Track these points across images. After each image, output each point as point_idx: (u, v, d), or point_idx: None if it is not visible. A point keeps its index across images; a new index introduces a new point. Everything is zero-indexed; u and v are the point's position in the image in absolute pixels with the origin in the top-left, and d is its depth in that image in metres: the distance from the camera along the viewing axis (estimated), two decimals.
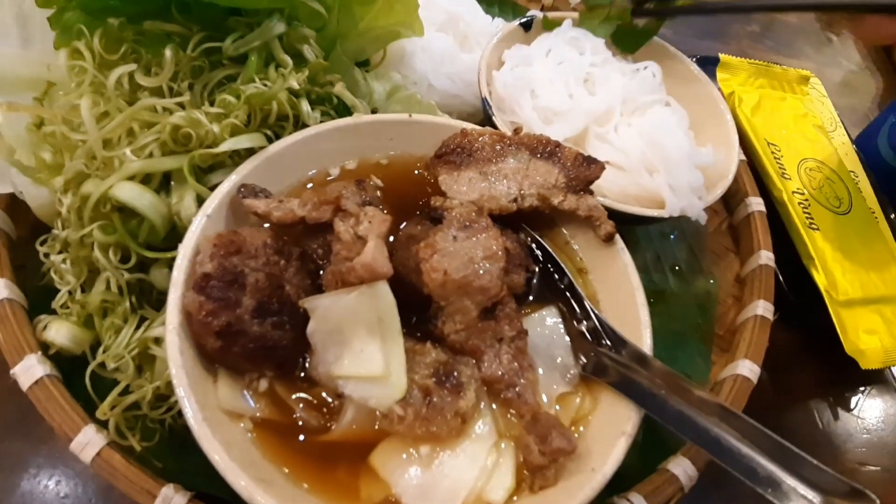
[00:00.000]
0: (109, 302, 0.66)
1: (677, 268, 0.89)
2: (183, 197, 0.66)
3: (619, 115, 0.85)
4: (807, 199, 0.97)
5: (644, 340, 0.64)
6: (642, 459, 0.73)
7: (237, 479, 0.52)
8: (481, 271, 0.61)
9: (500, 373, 0.61)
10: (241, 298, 0.57)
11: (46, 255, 0.70)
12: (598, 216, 0.70)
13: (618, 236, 0.70)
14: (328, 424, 0.58)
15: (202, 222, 0.62)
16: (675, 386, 0.58)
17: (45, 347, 0.66)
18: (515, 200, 0.71)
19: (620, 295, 0.68)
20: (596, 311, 0.66)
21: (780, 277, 0.89)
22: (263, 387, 0.59)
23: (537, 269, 0.69)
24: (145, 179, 0.67)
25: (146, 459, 0.63)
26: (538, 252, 0.71)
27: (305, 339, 0.60)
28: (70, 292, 0.67)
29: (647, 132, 0.83)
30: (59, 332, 0.66)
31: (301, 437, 0.58)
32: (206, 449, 0.53)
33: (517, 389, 0.60)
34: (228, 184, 0.65)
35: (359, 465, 0.57)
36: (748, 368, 0.76)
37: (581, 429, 0.62)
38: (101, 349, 0.65)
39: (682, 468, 0.69)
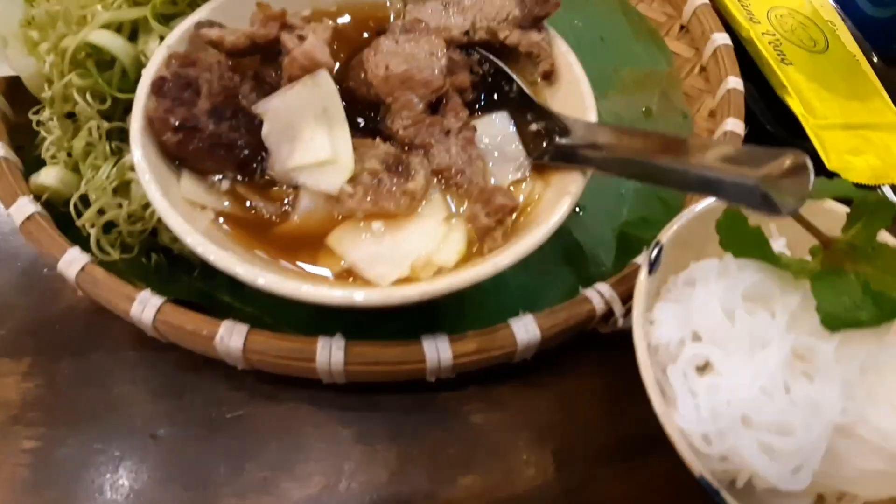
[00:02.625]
0: (92, 146, 0.70)
1: (648, 108, 0.88)
2: (148, 41, 0.70)
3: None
4: (777, 39, 0.93)
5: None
6: (615, 261, 0.74)
7: (204, 248, 0.54)
8: (423, 66, 0.62)
9: (448, 162, 0.62)
10: (197, 100, 0.60)
11: (39, 123, 0.75)
12: (539, 53, 0.71)
13: (575, 60, 0.70)
14: (286, 215, 0.60)
15: (163, 52, 0.65)
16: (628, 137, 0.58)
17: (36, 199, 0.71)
18: (467, 33, 0.72)
19: (570, 99, 0.68)
20: (545, 106, 0.66)
21: (755, 111, 0.87)
22: (225, 186, 0.61)
23: (482, 72, 0.69)
24: (116, 30, 0.71)
25: (126, 277, 0.65)
26: (486, 65, 0.71)
27: (262, 145, 0.62)
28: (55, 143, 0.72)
29: None
30: (49, 174, 0.69)
31: (261, 229, 0.60)
32: (172, 226, 0.55)
33: (467, 175, 0.61)
34: (188, 21, 0.68)
35: (317, 248, 0.59)
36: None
37: (531, 209, 0.62)
38: (83, 182, 0.68)
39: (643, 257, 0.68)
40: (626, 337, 0.71)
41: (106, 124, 0.70)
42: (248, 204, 0.61)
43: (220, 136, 0.60)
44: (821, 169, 0.82)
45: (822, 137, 0.84)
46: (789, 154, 0.46)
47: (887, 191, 0.85)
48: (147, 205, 0.65)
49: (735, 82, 0.84)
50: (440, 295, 0.52)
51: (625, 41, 0.95)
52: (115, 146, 0.71)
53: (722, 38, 0.89)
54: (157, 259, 0.69)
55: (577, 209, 0.76)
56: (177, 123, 0.58)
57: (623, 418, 0.68)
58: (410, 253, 0.56)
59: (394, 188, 0.58)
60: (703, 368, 0.56)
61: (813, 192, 0.58)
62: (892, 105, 0.92)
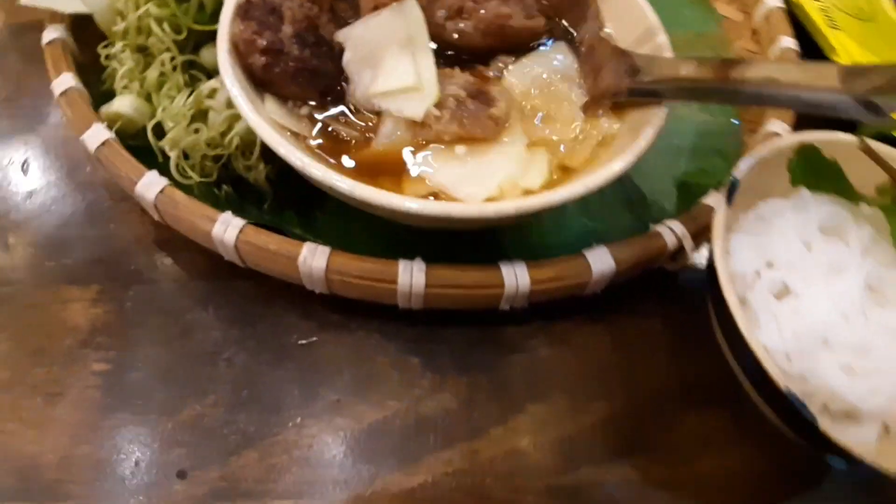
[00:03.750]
0: (165, 76, 0.70)
1: None
2: None
3: None
4: (825, 6, 0.95)
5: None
6: (677, 207, 0.74)
7: (297, 158, 0.54)
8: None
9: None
10: (281, 25, 0.60)
11: (108, 57, 0.75)
12: None
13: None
14: (367, 141, 0.61)
15: None
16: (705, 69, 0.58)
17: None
18: None
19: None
20: (616, 45, 0.67)
21: None
22: (305, 112, 0.62)
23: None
24: None
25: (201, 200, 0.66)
26: None
27: (342, 74, 0.63)
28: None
29: None
30: (122, 102, 0.69)
31: (342, 155, 0.60)
32: (265, 137, 0.55)
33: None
34: None
35: (400, 174, 0.59)
36: (779, 126, 0.75)
37: (611, 143, 0.63)
38: (158, 110, 0.69)
39: (714, 199, 0.69)
40: (688, 280, 0.72)
41: (180, 56, 0.71)
42: (329, 129, 0.61)
43: (304, 60, 0.60)
44: None
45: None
46: (884, 67, 0.47)
47: None
48: (224, 133, 0.66)
49: (789, 42, 0.85)
50: (535, 212, 0.53)
51: (673, 5, 0.95)
52: (188, 77, 0.71)
53: (774, 1, 0.90)
54: (228, 190, 0.69)
55: None
56: (264, 45, 0.59)
57: (684, 360, 0.68)
58: (497, 175, 0.57)
59: (478, 112, 0.58)
60: (780, 297, 0.57)
61: (880, 127, 0.60)
62: None
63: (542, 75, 0.64)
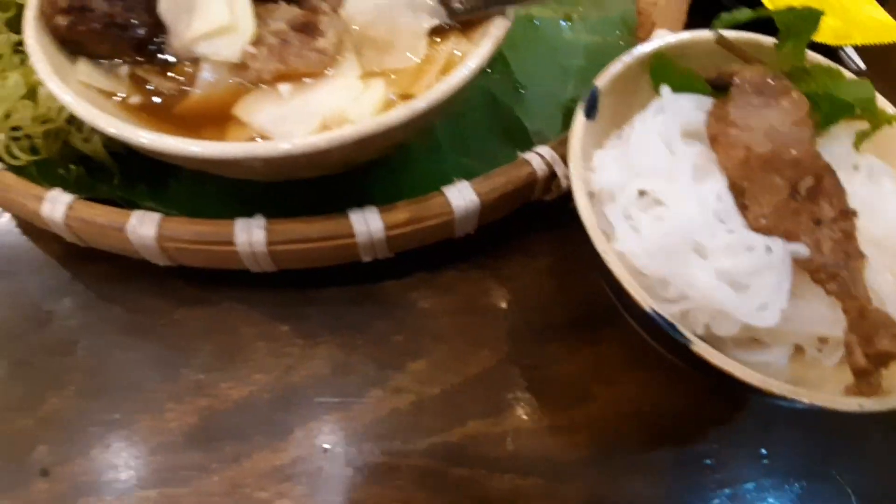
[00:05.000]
0: (0, 57, 0.66)
1: None
2: None
3: None
4: None
5: None
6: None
7: (89, 114, 0.49)
8: (790, 142, 0.51)
9: (819, 260, 0.49)
10: None
11: None
12: None
13: None
14: (187, 91, 0.55)
15: None
16: None
17: None
18: None
19: None
20: None
21: None
22: (124, 71, 0.56)
23: None
24: None
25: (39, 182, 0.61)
26: None
27: (160, 25, 0.57)
28: None
29: None
30: None
31: (164, 110, 0.55)
32: (63, 99, 0.50)
33: (841, 280, 0.49)
34: None
35: (224, 122, 0.54)
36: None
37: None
38: None
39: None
40: (573, 211, 0.66)
41: (14, 35, 0.65)
42: (147, 87, 0.55)
43: (113, 16, 0.55)
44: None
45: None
46: None
47: (850, 51, 0.79)
48: (55, 104, 0.60)
49: None
50: (350, 142, 0.47)
51: None
52: (23, 58, 0.66)
53: None
54: (76, 170, 0.64)
55: (519, 88, 0.71)
56: (65, 4, 0.53)
57: (572, 294, 0.63)
58: (321, 110, 0.51)
59: (301, 46, 0.52)
60: (647, 209, 0.51)
61: (727, 19, 0.54)
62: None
63: (383, 1, 0.58)
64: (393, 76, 0.55)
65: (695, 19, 0.73)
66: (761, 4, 0.79)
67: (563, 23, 0.76)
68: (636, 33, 0.75)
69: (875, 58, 0.80)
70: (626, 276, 0.46)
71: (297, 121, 0.50)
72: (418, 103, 0.48)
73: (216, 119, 0.53)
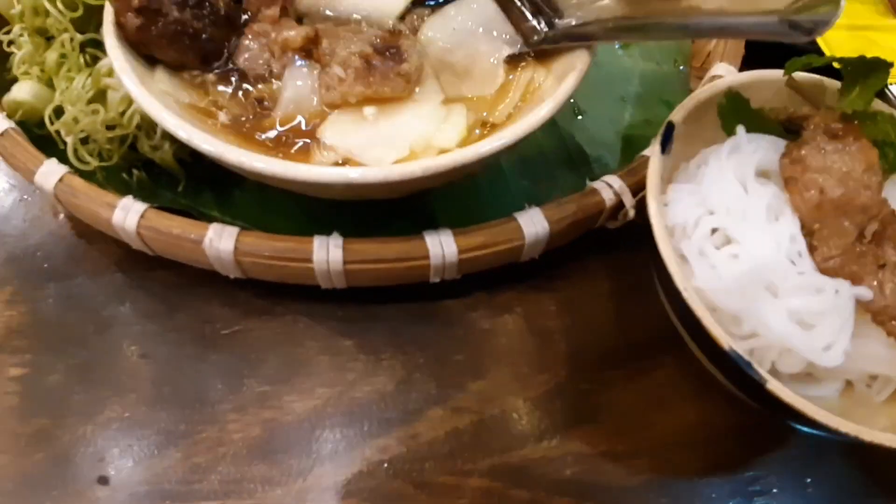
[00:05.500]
0: (65, 58, 0.65)
1: None
2: None
3: None
4: None
5: None
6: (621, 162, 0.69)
7: (183, 129, 0.48)
8: (860, 186, 0.52)
9: (882, 302, 0.51)
10: None
11: (9, 44, 0.70)
12: None
13: None
14: (268, 111, 0.55)
15: None
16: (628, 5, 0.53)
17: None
18: None
19: None
20: None
21: None
22: (199, 81, 0.56)
23: None
24: None
25: (104, 187, 0.60)
26: None
27: (228, 38, 0.57)
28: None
29: None
30: (22, 88, 0.64)
31: (246, 129, 0.55)
32: (147, 108, 0.50)
33: None
34: None
35: (310, 143, 0.54)
36: (724, 69, 0.69)
37: (533, 94, 0.57)
38: (57, 93, 0.63)
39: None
40: (633, 236, 0.67)
41: (79, 35, 0.65)
42: (229, 99, 0.55)
43: (184, 22, 0.55)
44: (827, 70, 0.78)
45: (826, 38, 0.80)
46: None
47: (894, 90, 0.80)
48: (125, 111, 0.60)
49: None
50: (444, 171, 0.47)
51: None
52: (88, 57, 0.65)
53: None
54: (139, 175, 0.64)
55: (577, 114, 0.72)
56: (138, 4, 0.53)
57: (631, 320, 0.64)
58: (408, 135, 0.51)
59: (386, 70, 0.53)
60: (721, 246, 0.52)
61: (799, 63, 0.55)
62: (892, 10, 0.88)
63: (462, 26, 0.59)
64: (472, 103, 0.56)
65: (749, 53, 0.74)
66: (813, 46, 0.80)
67: (619, 49, 0.77)
68: (691, 62, 0.76)
69: None
70: (705, 314, 0.47)
71: (387, 146, 0.51)
72: (511, 133, 0.49)
73: (300, 139, 0.53)
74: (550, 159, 0.68)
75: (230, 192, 0.64)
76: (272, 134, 0.53)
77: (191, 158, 0.64)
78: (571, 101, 0.71)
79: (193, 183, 0.64)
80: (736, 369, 0.48)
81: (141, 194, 0.61)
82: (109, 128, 0.61)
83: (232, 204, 0.63)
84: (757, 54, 0.72)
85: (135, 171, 0.64)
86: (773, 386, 0.47)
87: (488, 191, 0.65)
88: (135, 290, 0.64)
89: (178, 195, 0.63)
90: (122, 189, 0.62)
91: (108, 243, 0.64)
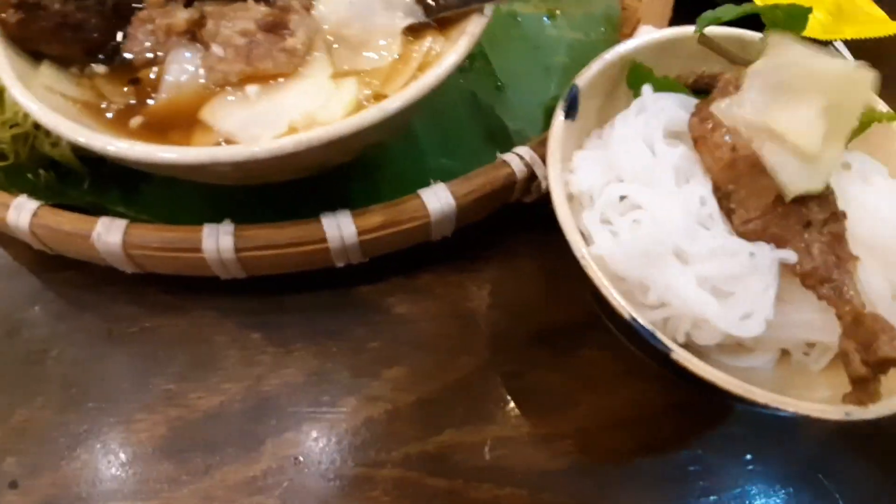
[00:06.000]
0: None
1: None
2: None
3: None
4: None
5: None
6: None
7: (51, 119, 0.46)
8: None
9: (811, 265, 0.47)
10: None
11: None
12: None
13: None
14: (150, 95, 0.53)
15: None
16: None
17: None
18: None
19: None
20: None
21: None
22: (85, 73, 0.54)
23: None
24: None
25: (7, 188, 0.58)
26: None
27: (114, 28, 0.55)
28: None
29: None
30: None
31: (128, 114, 0.52)
32: (22, 101, 0.47)
33: (833, 284, 0.47)
34: None
35: (190, 126, 0.51)
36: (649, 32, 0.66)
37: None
38: None
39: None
40: (553, 213, 0.64)
41: None
42: (107, 89, 0.53)
43: (66, 15, 0.52)
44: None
45: None
46: None
47: (839, 45, 0.76)
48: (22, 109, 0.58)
49: None
50: (319, 145, 0.44)
51: None
52: None
53: None
54: (46, 175, 0.62)
55: (501, 87, 0.69)
56: (16, 0, 0.51)
57: (557, 299, 0.61)
58: (289, 113, 0.49)
59: (270, 46, 0.50)
60: (626, 213, 0.49)
61: (709, 18, 0.52)
62: None
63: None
64: (367, 76, 0.53)
65: (681, 16, 0.70)
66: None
67: (545, 19, 0.74)
68: (620, 30, 0.73)
69: (865, 53, 0.77)
70: (603, 282, 0.44)
71: (265, 125, 0.48)
72: (391, 103, 0.46)
73: (182, 124, 0.51)
74: (471, 136, 0.65)
75: (136, 187, 0.61)
76: (154, 120, 0.51)
77: (95, 156, 0.61)
78: (495, 75, 0.70)
79: (100, 180, 0.62)
80: (644, 341, 0.45)
81: (48, 194, 0.59)
82: (11, 126, 0.59)
83: (139, 199, 0.61)
84: (688, 14, 0.69)
85: (41, 172, 0.62)
86: (679, 356, 0.43)
87: (403, 169, 0.62)
88: (45, 292, 0.62)
89: (85, 192, 0.61)
90: (30, 189, 0.60)
91: (19, 247, 0.62)
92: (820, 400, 0.47)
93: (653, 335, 0.44)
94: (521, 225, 0.62)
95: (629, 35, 0.72)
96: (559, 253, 0.60)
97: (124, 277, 0.59)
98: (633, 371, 0.57)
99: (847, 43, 0.77)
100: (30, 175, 0.62)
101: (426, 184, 0.60)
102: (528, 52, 0.70)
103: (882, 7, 0.83)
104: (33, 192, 0.59)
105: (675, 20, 0.70)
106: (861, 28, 0.77)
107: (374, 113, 0.45)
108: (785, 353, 0.52)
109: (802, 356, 0.51)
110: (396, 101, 0.46)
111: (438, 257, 0.61)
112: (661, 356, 0.44)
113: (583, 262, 0.45)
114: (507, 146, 0.65)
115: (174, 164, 0.44)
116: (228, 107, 0.50)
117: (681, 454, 0.56)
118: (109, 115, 0.52)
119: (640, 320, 0.44)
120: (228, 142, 0.49)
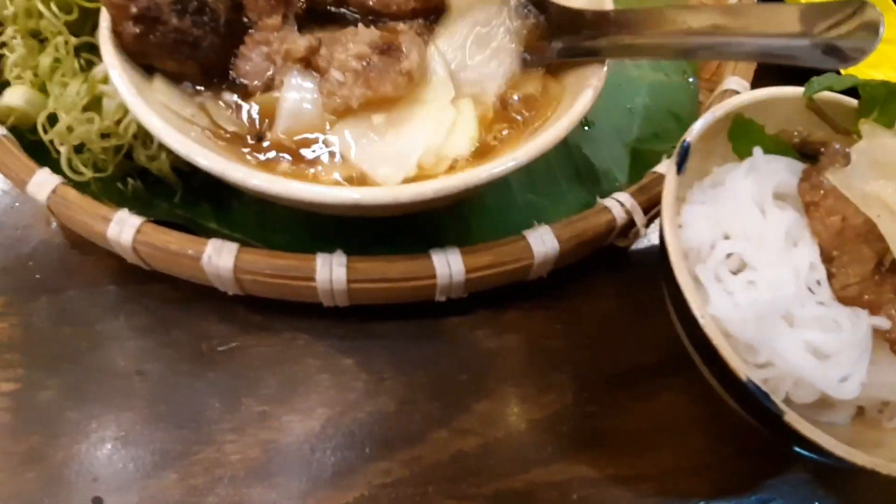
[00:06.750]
0: (59, 62, 0.62)
1: None
2: None
3: None
4: None
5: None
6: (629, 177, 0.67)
7: (184, 146, 0.46)
8: None
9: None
10: None
11: (2, 45, 0.67)
12: None
13: None
14: (271, 121, 0.53)
15: None
16: (647, 21, 0.50)
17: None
18: None
19: None
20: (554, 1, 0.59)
21: None
22: (198, 93, 0.54)
23: None
24: None
25: (98, 198, 0.58)
26: None
27: (230, 46, 0.55)
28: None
29: None
30: (14, 94, 0.61)
31: (247, 141, 0.53)
32: (146, 122, 0.47)
33: None
34: None
35: (315, 156, 0.51)
36: (736, 83, 0.67)
37: (550, 114, 0.55)
38: (51, 99, 0.60)
39: (665, 166, 0.62)
40: (641, 255, 0.65)
41: (74, 39, 0.62)
42: (229, 112, 0.53)
43: (183, 31, 0.52)
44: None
45: None
46: (847, 3, 0.40)
47: None
48: (120, 120, 0.58)
49: None
50: (456, 192, 0.45)
51: None
52: (83, 62, 0.63)
53: None
54: (134, 184, 0.61)
55: (585, 125, 0.70)
56: (135, 12, 0.51)
57: (639, 341, 0.62)
58: (416, 147, 0.49)
59: (387, 68, 0.50)
60: (738, 271, 0.50)
61: (820, 85, 0.53)
62: None
63: (477, 29, 0.56)
64: (482, 100, 0.53)
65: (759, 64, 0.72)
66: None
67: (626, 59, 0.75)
68: (700, 73, 0.74)
69: None
70: (723, 343, 0.46)
71: (395, 163, 0.48)
72: (521, 155, 0.47)
73: (297, 152, 0.51)
74: (557, 173, 0.66)
75: (228, 203, 0.61)
76: (273, 148, 0.51)
77: (188, 168, 0.61)
78: None
79: (190, 193, 0.61)
80: (751, 399, 0.46)
81: (136, 204, 0.59)
82: (104, 136, 0.59)
83: (230, 215, 0.61)
84: (769, 66, 0.70)
85: (130, 181, 0.61)
86: (791, 418, 0.45)
87: (494, 205, 0.63)
88: (129, 304, 0.61)
89: (175, 206, 0.61)
90: (117, 199, 0.60)
91: (102, 254, 0.62)
92: (890, 455, 0.49)
93: (767, 397, 0.45)
94: (604, 264, 0.64)
95: (709, 80, 0.73)
96: (642, 294, 0.62)
97: (214, 294, 0.58)
98: (709, 416, 0.59)
99: None
100: (119, 184, 0.62)
101: (513, 218, 0.61)
102: (611, 91, 0.70)
103: None
104: (122, 203, 0.58)
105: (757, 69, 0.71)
106: None
107: (509, 163, 0.46)
108: (860, 408, 0.54)
109: (876, 413, 0.53)
110: (528, 151, 0.47)
111: (525, 293, 0.61)
112: (771, 416, 0.46)
113: (702, 321, 0.46)
114: (594, 185, 0.66)
115: (312, 201, 0.44)
116: (354, 137, 0.51)
117: (752, 498, 0.58)
118: (221, 137, 0.53)
119: (757, 382, 0.45)
120: (357, 175, 0.49)
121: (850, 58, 0.39)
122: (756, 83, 0.69)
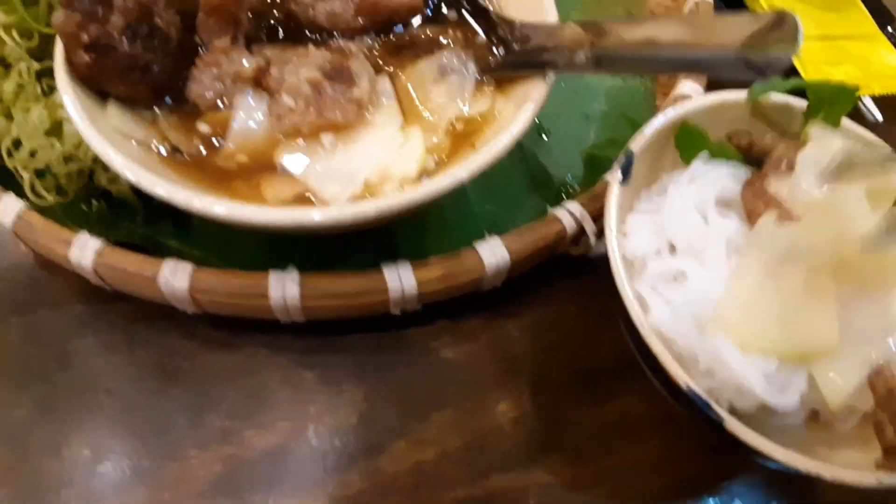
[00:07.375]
0: (23, 87, 0.63)
1: None
2: None
3: None
4: None
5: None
6: (584, 184, 0.68)
7: (134, 173, 0.47)
8: None
9: None
10: (110, 16, 0.52)
11: None
12: None
13: None
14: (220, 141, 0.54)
15: None
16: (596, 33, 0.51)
17: None
18: None
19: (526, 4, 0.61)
20: (499, 13, 0.59)
21: None
22: (153, 117, 0.55)
23: None
24: None
25: (66, 225, 0.59)
26: None
27: (180, 68, 0.55)
28: None
29: None
30: None
31: (200, 161, 0.53)
32: (97, 149, 0.48)
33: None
34: None
35: (260, 173, 0.53)
36: (690, 87, 0.68)
37: (493, 125, 0.56)
38: (14, 125, 0.61)
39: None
40: (597, 261, 0.66)
41: (36, 64, 0.63)
42: (178, 136, 0.54)
43: (134, 56, 0.53)
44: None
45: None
46: (769, 15, 0.40)
47: (867, 101, 0.79)
48: (81, 143, 0.59)
49: None
50: (397, 211, 0.46)
51: None
52: (47, 86, 0.64)
53: None
54: (98, 206, 0.63)
55: (542, 134, 0.71)
56: (88, 40, 0.51)
57: (597, 346, 0.62)
58: (364, 167, 0.50)
59: (338, 96, 0.51)
60: (679, 280, 0.51)
61: (762, 88, 0.54)
62: (869, 15, 0.86)
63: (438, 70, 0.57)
64: (428, 123, 0.54)
65: None
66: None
67: None
68: (657, 78, 0.75)
69: (892, 108, 0.80)
70: (663, 352, 0.46)
71: (342, 181, 0.49)
72: (461, 172, 0.47)
73: (250, 169, 0.52)
74: (514, 183, 0.66)
75: (189, 222, 0.62)
76: (224, 167, 0.52)
77: None
78: (536, 121, 0.71)
79: (152, 213, 0.62)
80: (693, 407, 0.47)
81: (100, 226, 0.60)
82: (67, 160, 0.60)
83: (191, 233, 0.62)
84: None
85: (94, 203, 0.63)
86: (732, 426, 0.46)
87: (453, 217, 0.64)
88: (96, 323, 0.62)
89: (137, 226, 0.62)
90: (82, 221, 0.61)
91: (70, 275, 0.62)
92: (846, 459, 0.50)
93: (707, 405, 0.46)
94: (561, 270, 0.64)
95: (666, 84, 0.73)
96: (599, 299, 0.63)
97: (176, 312, 0.59)
98: (668, 419, 0.59)
99: (875, 99, 0.79)
100: (83, 206, 0.63)
101: (471, 228, 0.61)
102: (568, 99, 0.72)
103: None
104: (86, 225, 0.59)
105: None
106: (889, 83, 0.79)
107: (447, 181, 0.47)
108: (814, 414, 0.54)
109: (829, 415, 0.54)
110: (466, 168, 0.48)
111: (482, 302, 0.62)
112: (713, 424, 0.47)
113: (642, 330, 0.47)
114: (551, 193, 0.67)
115: (260, 224, 0.45)
116: (303, 156, 0.51)
117: (710, 501, 0.58)
118: (174, 159, 0.54)
119: (697, 389, 0.46)
120: (305, 193, 0.50)
121: (765, 70, 0.40)
122: (710, 87, 0.69)
